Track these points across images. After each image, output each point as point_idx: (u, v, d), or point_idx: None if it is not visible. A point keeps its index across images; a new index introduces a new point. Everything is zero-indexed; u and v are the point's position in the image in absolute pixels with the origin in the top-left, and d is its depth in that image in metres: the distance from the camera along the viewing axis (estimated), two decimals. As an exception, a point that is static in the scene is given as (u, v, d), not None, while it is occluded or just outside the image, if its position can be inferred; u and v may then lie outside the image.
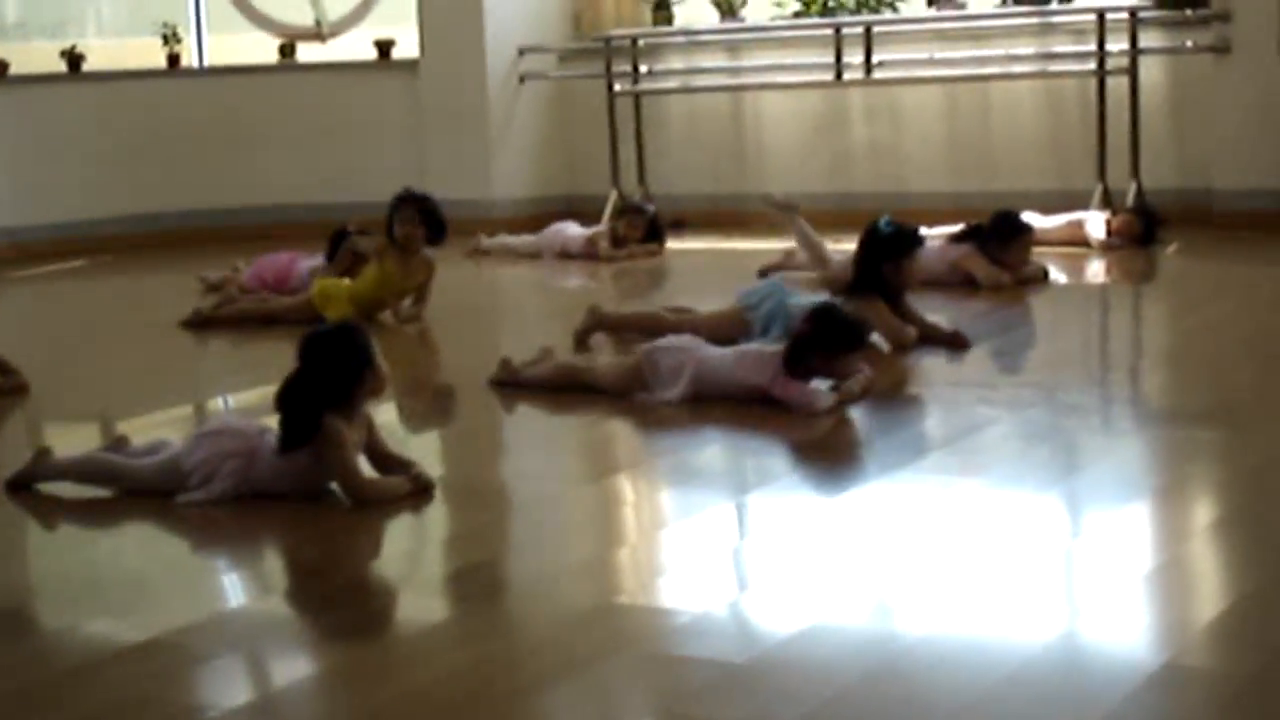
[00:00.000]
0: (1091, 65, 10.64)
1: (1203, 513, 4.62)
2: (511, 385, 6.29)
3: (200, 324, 8.21)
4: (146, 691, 3.50)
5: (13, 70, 12.03)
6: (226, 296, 8.63)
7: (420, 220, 7.97)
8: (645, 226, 10.31)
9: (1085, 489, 4.83)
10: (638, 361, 6.04)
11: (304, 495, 4.82)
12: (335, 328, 5.02)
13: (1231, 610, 3.69)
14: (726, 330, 6.65)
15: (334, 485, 4.85)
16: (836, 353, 5.74)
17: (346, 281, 8.13)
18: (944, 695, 3.27)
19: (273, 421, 4.92)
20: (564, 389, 6.18)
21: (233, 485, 4.83)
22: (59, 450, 5.20)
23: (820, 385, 5.77)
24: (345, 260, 8.35)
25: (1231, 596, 3.85)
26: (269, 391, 6.51)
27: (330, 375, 4.82)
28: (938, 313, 7.11)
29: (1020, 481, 4.89)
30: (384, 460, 4.92)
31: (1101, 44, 10.54)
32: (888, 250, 6.83)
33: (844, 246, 7.88)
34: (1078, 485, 4.87)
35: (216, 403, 6.72)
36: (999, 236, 8.42)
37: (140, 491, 4.95)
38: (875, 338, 6.72)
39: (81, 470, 5.08)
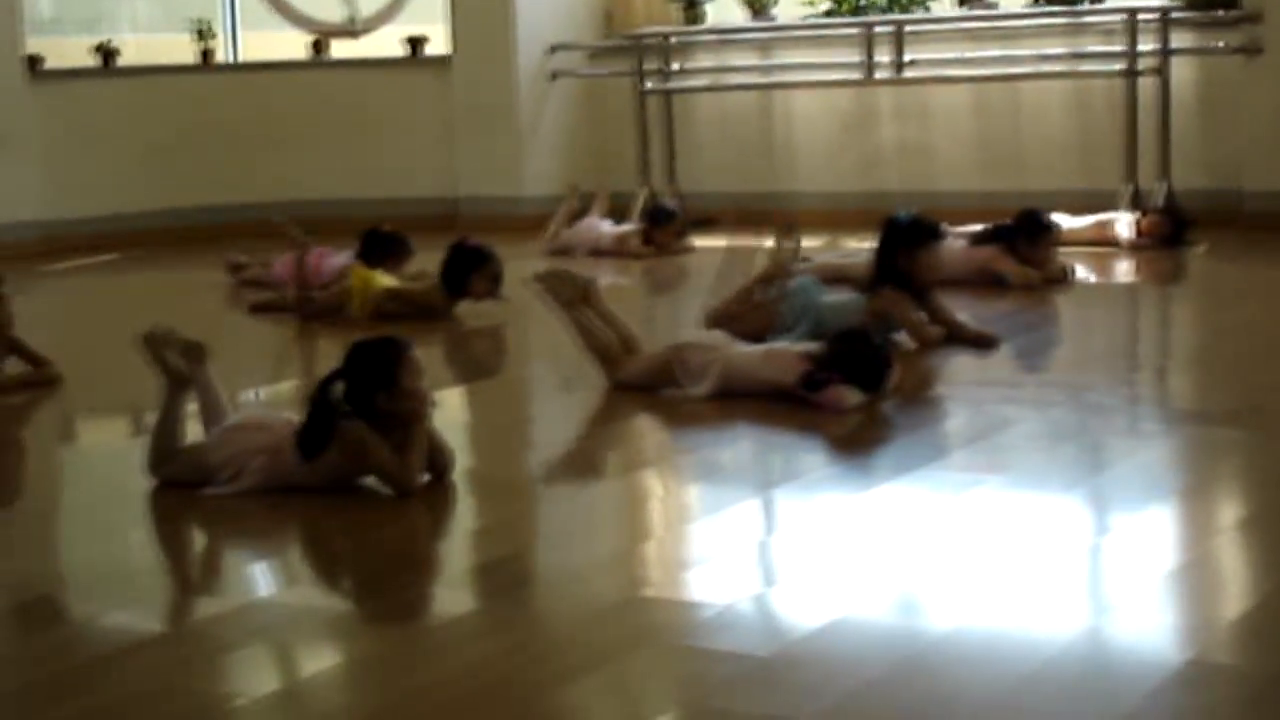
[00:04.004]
0: (1122, 65, 10.62)
1: (1228, 512, 4.62)
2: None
3: (254, 309, 8.63)
4: (173, 680, 3.53)
5: (46, 65, 12.09)
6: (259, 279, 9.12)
7: (494, 279, 8.12)
8: (678, 229, 10.37)
9: (1110, 488, 4.83)
10: (667, 357, 6.06)
11: (333, 489, 4.85)
12: (374, 341, 4.96)
13: (1256, 608, 3.70)
14: (757, 323, 6.67)
15: (368, 481, 4.88)
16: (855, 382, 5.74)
17: (383, 279, 8.22)
18: (969, 690, 3.28)
19: (298, 418, 4.94)
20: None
21: (260, 481, 4.84)
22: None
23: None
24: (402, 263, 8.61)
25: (1256, 595, 3.85)
26: (296, 385, 6.57)
27: (353, 385, 4.84)
28: (963, 312, 7.11)
29: (1045, 480, 4.90)
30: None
31: (1132, 44, 10.52)
32: (902, 240, 6.83)
33: (870, 245, 7.88)
34: (1103, 484, 4.88)
35: (246, 395, 6.75)
36: (1025, 235, 8.41)
37: (174, 482, 4.99)
38: (900, 335, 6.75)
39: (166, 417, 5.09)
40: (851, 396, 5.69)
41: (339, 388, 4.83)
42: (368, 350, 4.89)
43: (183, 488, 4.93)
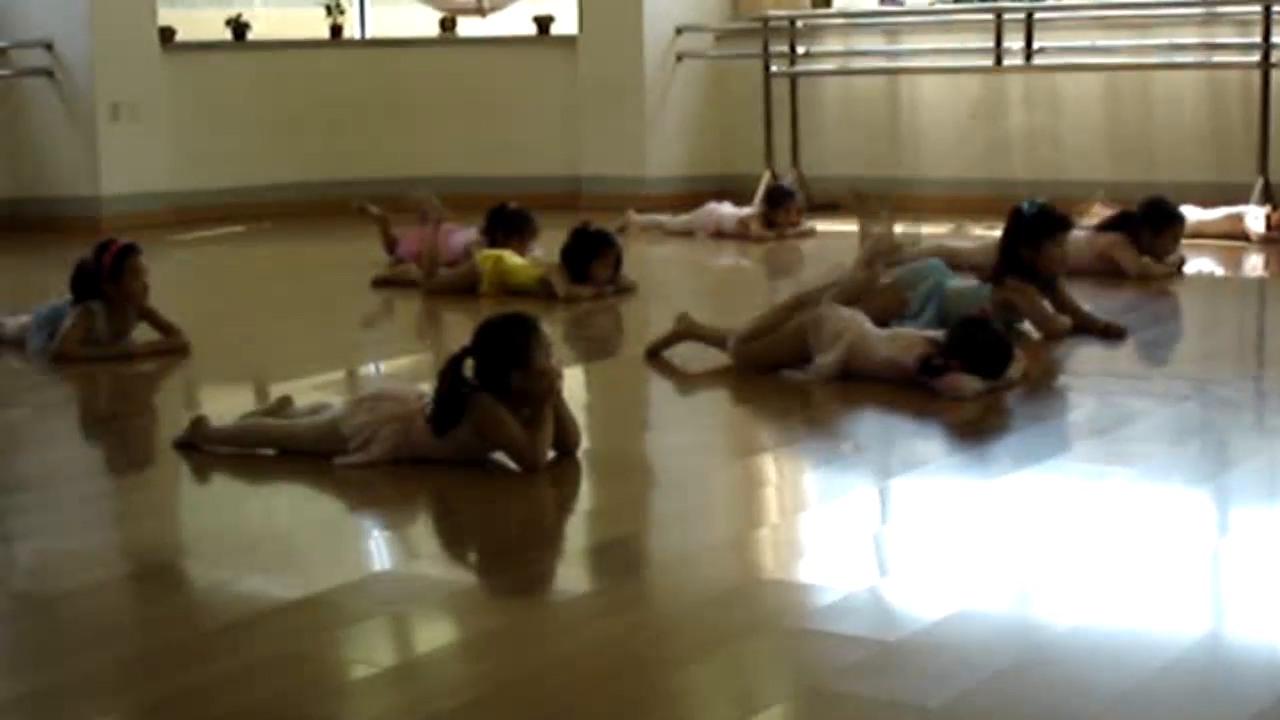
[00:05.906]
0: (1256, 57, 10.48)
1: (1358, 513, 4.55)
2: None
3: (377, 283, 8.64)
4: (298, 648, 3.57)
5: (179, 37, 12.25)
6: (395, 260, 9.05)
7: (615, 265, 8.17)
8: (797, 210, 10.35)
9: (1236, 486, 4.76)
10: (802, 323, 6.03)
11: (462, 463, 4.88)
12: (504, 319, 4.98)
13: (1385, 612, 3.65)
14: (882, 307, 6.63)
15: (496, 455, 4.91)
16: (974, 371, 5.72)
17: (513, 258, 8.25)
18: (1096, 684, 3.24)
19: (429, 391, 4.98)
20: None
21: (391, 449, 4.88)
22: (218, 415, 5.30)
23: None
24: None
25: (1386, 598, 3.79)
26: (419, 360, 6.62)
27: (484, 362, 4.87)
28: (1089, 303, 7.04)
29: (1170, 475, 4.84)
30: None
31: (1267, 36, 10.38)
32: (1027, 231, 6.77)
33: (996, 233, 7.82)
34: (1228, 481, 4.81)
35: (368, 369, 6.81)
36: (1150, 224, 8.32)
37: (297, 452, 5.04)
38: (1026, 325, 6.70)
39: (239, 438, 5.18)
40: (971, 384, 5.66)
41: (470, 364, 4.86)
42: (498, 328, 4.91)
43: (313, 458, 4.98)
